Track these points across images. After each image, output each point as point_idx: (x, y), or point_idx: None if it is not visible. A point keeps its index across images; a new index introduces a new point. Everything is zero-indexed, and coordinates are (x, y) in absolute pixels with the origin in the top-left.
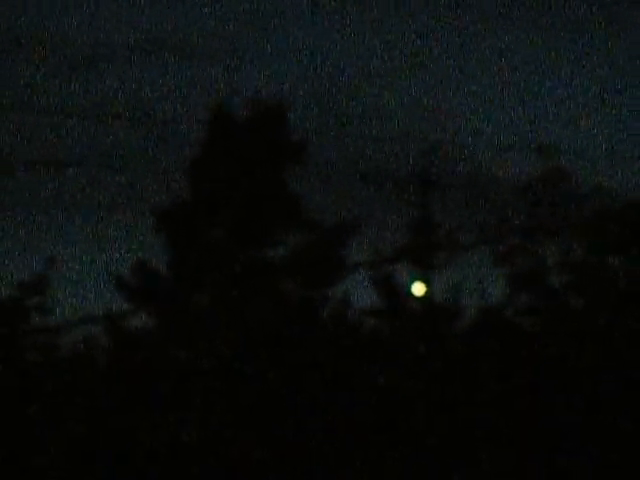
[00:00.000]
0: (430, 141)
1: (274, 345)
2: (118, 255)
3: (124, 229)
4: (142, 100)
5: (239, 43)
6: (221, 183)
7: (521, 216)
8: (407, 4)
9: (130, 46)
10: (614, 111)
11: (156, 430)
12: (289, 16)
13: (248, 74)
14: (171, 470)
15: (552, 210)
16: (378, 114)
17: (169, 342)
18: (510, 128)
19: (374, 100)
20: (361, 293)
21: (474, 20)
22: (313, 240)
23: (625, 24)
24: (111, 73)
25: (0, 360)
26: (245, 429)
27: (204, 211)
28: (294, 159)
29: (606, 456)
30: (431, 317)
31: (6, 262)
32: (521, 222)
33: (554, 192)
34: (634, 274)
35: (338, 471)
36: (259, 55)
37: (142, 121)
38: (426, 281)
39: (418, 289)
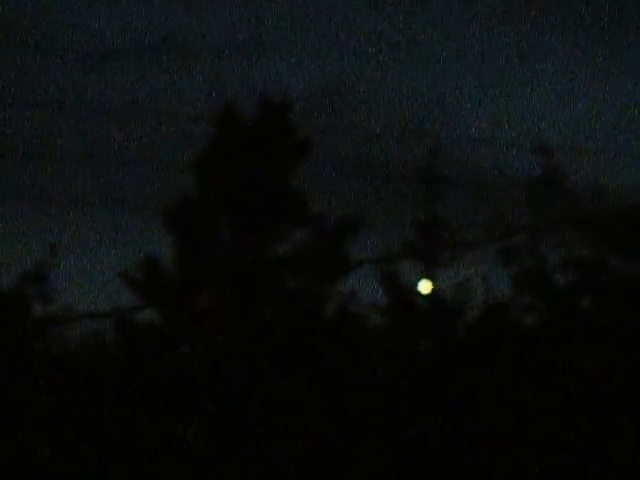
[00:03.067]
0: (434, 139)
1: (279, 341)
2: (125, 251)
3: (131, 225)
4: (148, 97)
5: (243, 41)
6: (227, 180)
7: (524, 214)
8: (410, 0)
9: (136, 43)
10: (614, 110)
11: (161, 424)
12: (291, 13)
13: (253, 72)
14: (175, 464)
15: (554, 209)
16: (382, 111)
17: (176, 338)
18: (511, 126)
19: (378, 97)
20: (366, 289)
21: (476, 18)
22: (318, 236)
23: (625, 22)
24: (117, 70)
25: (5, 350)
26: (248, 424)
27: (210, 208)
28: (299, 156)
29: (607, 455)
30: (436, 314)
31: (11, 254)
32: (524, 220)
33: (555, 191)
34: (636, 273)
35: (340, 467)
36: (263, 53)
37: (148, 117)
38: (432, 279)
39: (425, 287)
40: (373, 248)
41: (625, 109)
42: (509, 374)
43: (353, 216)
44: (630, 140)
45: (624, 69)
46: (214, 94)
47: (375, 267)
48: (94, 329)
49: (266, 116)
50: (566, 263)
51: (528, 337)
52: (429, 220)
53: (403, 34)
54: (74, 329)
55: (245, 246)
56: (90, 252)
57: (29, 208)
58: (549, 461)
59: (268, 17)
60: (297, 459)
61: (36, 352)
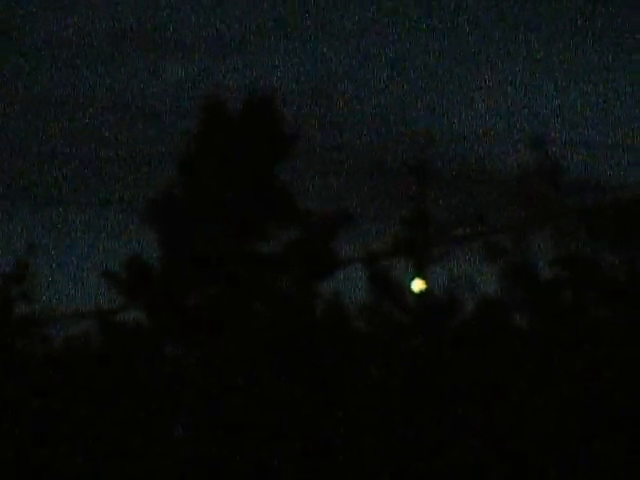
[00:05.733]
0: (424, 134)
1: (267, 339)
2: (110, 250)
3: (116, 223)
4: (133, 93)
5: (231, 35)
6: (213, 176)
7: (514, 209)
8: None
9: (121, 38)
10: (609, 103)
11: (148, 424)
12: (282, 8)
13: (241, 66)
14: (163, 463)
15: (546, 203)
16: (371, 107)
17: (161, 336)
18: (504, 120)
19: (368, 93)
20: (355, 287)
21: (467, 13)
22: (306, 233)
23: (620, 16)
24: (102, 66)
25: None
26: (236, 423)
27: (196, 205)
28: (287, 151)
29: (597, 450)
30: (426, 311)
31: None
32: (514, 215)
33: (548, 184)
34: (628, 268)
35: (333, 466)
36: (252, 47)
37: (134, 114)
38: (423, 276)
39: (417, 285)
40: (363, 245)
41: (619, 103)
42: (501, 371)
43: (342, 212)
44: (625, 134)
45: (620, 63)
46: (200, 90)
47: (365, 264)
48: (78, 329)
49: (252, 112)
50: (557, 258)
51: (518, 334)
52: (419, 216)
53: (392, 30)
54: (58, 329)
55: (232, 244)
56: (74, 251)
57: (10, 207)
58: (542, 458)
59: (256, 13)
60: (291, 458)
61: (20, 353)
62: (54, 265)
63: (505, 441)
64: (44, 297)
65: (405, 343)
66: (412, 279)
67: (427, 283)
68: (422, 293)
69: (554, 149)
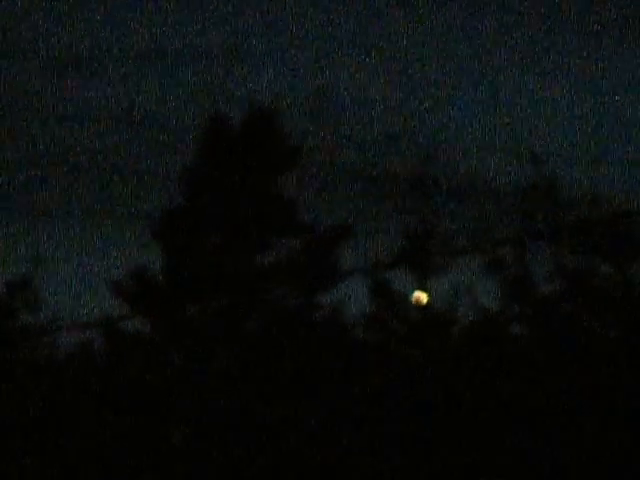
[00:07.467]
0: (424, 147)
1: (268, 350)
2: (115, 260)
3: (121, 234)
4: (137, 105)
5: (232, 48)
6: (216, 188)
7: (512, 223)
8: (400, 6)
9: (126, 50)
10: (605, 118)
11: (150, 434)
12: (281, 20)
13: (241, 79)
14: (164, 473)
15: (543, 217)
16: (372, 119)
17: (165, 346)
18: (501, 135)
19: (368, 106)
20: (356, 299)
21: (467, 26)
22: (307, 245)
23: (616, 30)
24: (107, 78)
25: None
26: (238, 432)
27: (199, 216)
28: (288, 164)
29: (595, 459)
30: (425, 323)
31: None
32: (512, 229)
33: (545, 199)
34: (624, 281)
35: (333, 474)
36: (252, 59)
37: (137, 126)
38: (425, 289)
39: (418, 297)
40: (364, 256)
41: (617, 117)
42: (499, 381)
43: (343, 224)
44: (623, 147)
45: (617, 77)
46: (201, 102)
47: (366, 276)
48: (83, 338)
49: (254, 124)
50: (555, 271)
51: (518, 346)
52: (420, 228)
53: (393, 41)
54: (63, 338)
55: (234, 255)
56: (79, 262)
57: (15, 217)
58: (541, 461)
59: (256, 26)
60: (292, 466)
61: (23, 361)
62: (59, 275)
63: (504, 445)
64: (49, 306)
65: (405, 353)
66: (412, 292)
67: (428, 295)
68: (423, 304)
69: (552, 164)
